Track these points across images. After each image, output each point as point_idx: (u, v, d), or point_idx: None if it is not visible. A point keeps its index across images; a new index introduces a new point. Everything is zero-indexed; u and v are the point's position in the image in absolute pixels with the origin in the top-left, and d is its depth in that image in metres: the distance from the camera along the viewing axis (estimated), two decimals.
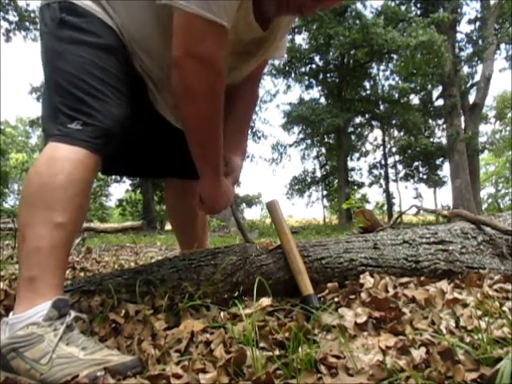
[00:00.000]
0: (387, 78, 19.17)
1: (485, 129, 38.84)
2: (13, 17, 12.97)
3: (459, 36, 16.87)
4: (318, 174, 23.39)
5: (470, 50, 16.48)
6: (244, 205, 22.86)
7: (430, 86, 18.18)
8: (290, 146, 21.30)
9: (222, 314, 1.06)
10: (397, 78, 18.81)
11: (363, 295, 1.08)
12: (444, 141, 18.37)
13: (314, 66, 17.68)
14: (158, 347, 0.90)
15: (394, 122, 19.20)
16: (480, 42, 15.76)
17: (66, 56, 1.03)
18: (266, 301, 1.04)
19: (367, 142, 23.15)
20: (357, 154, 22.74)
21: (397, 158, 22.51)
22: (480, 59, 15.95)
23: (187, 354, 0.88)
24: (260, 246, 1.28)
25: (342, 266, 1.24)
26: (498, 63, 49.38)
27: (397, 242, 1.34)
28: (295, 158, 68.69)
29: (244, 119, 1.39)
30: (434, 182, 21.38)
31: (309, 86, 18.66)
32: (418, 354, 0.78)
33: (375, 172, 23.05)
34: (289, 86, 19.11)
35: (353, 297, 1.09)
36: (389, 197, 21.51)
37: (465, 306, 1.04)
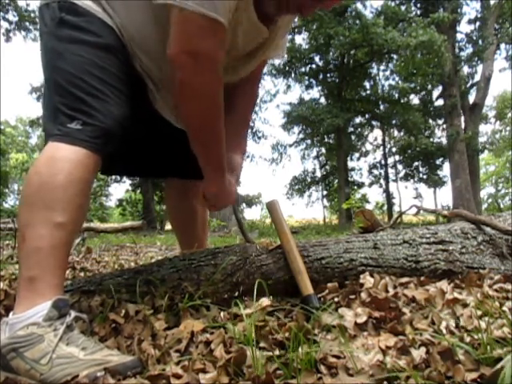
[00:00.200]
0: (387, 78, 19.18)
1: (485, 129, 38.88)
2: (13, 17, 12.99)
3: (459, 36, 16.89)
4: (318, 174, 23.40)
5: (470, 49, 16.50)
6: (244, 205, 22.85)
7: (430, 86, 18.18)
8: (290, 146, 21.31)
9: (222, 313, 1.06)
10: (397, 78, 18.82)
11: (363, 295, 1.08)
12: (444, 141, 18.38)
13: (314, 65, 17.68)
14: (158, 347, 0.90)
15: (394, 122, 19.19)
16: (480, 42, 15.76)
17: (66, 55, 1.03)
18: (265, 301, 1.04)
19: (367, 142, 23.17)
20: (357, 154, 22.75)
21: (397, 158, 22.53)
22: (480, 59, 15.95)
23: (187, 354, 0.88)
24: (260, 245, 1.28)
25: (342, 266, 1.24)
26: (497, 63, 49.42)
27: (397, 241, 1.34)
28: (295, 158, 68.80)
29: (244, 119, 1.40)
30: (434, 182, 21.37)
31: (309, 86, 18.66)
32: (418, 353, 0.78)
33: (375, 172, 23.07)
34: (289, 86, 19.12)
35: (353, 297, 1.09)
36: (389, 197, 21.52)
37: (465, 306, 1.04)
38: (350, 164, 22.11)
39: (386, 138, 22.19)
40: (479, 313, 0.96)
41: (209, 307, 1.09)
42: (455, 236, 1.39)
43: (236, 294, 1.17)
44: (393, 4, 15.68)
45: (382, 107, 19.11)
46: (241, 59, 1.21)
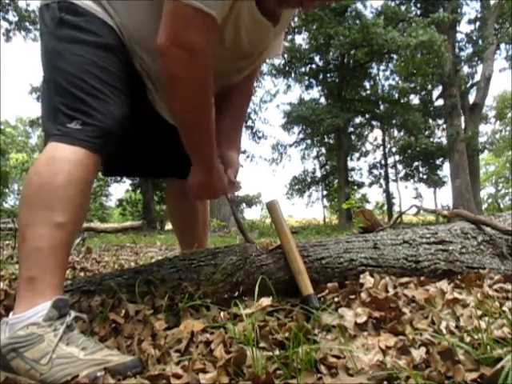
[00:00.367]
0: (387, 78, 19.19)
1: (485, 129, 38.84)
2: (13, 17, 13.00)
3: (459, 36, 16.91)
4: (318, 174, 23.42)
5: (470, 49, 16.52)
6: (244, 205, 22.86)
7: (430, 86, 18.20)
8: (290, 146, 21.32)
9: (221, 313, 1.06)
10: (397, 78, 18.82)
11: (363, 295, 1.08)
12: (444, 141, 18.39)
13: (314, 65, 17.69)
14: (158, 347, 0.90)
15: (394, 122, 19.20)
16: (480, 42, 15.77)
17: (66, 56, 1.03)
18: (266, 301, 1.04)
19: (367, 141, 23.19)
20: (357, 154, 22.76)
21: (397, 158, 22.54)
22: (480, 59, 15.96)
23: (187, 354, 0.88)
24: (260, 245, 1.28)
25: (342, 266, 1.24)
26: (497, 63, 49.37)
27: (397, 241, 1.34)
28: (295, 157, 68.83)
29: (239, 116, 1.40)
30: (434, 182, 21.37)
31: (309, 86, 18.67)
32: (418, 353, 0.78)
33: (375, 172, 23.08)
34: (289, 86, 19.14)
35: (353, 297, 1.09)
36: (389, 197, 21.52)
37: (465, 306, 1.03)
38: (350, 164, 22.15)
39: (386, 138, 22.19)
40: (479, 313, 0.96)
41: (209, 307, 1.09)
42: (455, 236, 1.39)
43: (236, 294, 1.17)
44: (393, 4, 15.69)
45: (382, 107, 19.11)
46: (247, 59, 1.21)
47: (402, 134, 21.33)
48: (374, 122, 20.58)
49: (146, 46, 1.11)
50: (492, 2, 16.19)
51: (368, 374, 0.73)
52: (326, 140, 20.97)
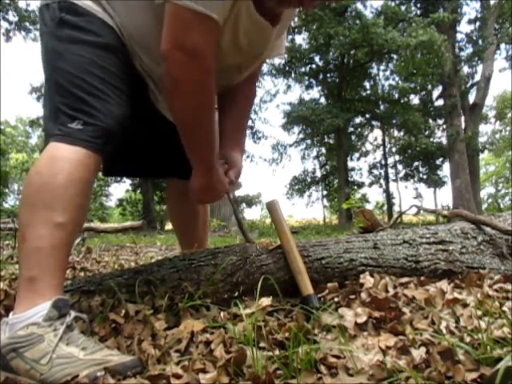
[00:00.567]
0: (387, 78, 19.19)
1: (485, 129, 38.84)
2: (13, 17, 13.00)
3: (459, 36, 16.91)
4: (318, 174, 23.41)
5: (470, 49, 16.51)
6: (244, 205, 22.86)
7: (430, 86, 18.19)
8: (290, 146, 21.32)
9: (221, 313, 1.06)
10: (397, 78, 18.82)
11: (363, 295, 1.08)
12: (444, 141, 18.39)
13: (314, 65, 17.68)
14: (158, 347, 0.90)
15: (394, 122, 19.20)
16: (480, 41, 15.77)
17: (66, 56, 1.03)
18: (266, 301, 1.04)
19: (367, 141, 23.19)
20: (357, 154, 22.76)
21: (397, 157, 22.54)
22: (480, 59, 15.96)
23: (187, 354, 0.88)
24: (260, 245, 1.28)
25: (342, 266, 1.24)
26: (497, 63, 49.37)
27: (397, 241, 1.34)
28: (295, 157, 68.91)
29: (242, 117, 1.40)
30: (434, 182, 21.37)
31: (309, 86, 18.66)
32: (418, 353, 0.78)
33: (375, 172, 23.09)
34: (289, 86, 19.13)
35: (353, 297, 1.09)
36: (389, 197, 21.52)
37: (465, 306, 1.03)
38: (350, 164, 22.16)
39: (386, 138, 22.19)
40: (479, 313, 0.96)
41: (209, 307, 1.09)
42: (455, 236, 1.39)
43: (236, 294, 1.17)
44: (393, 4, 15.68)
45: (382, 107, 19.11)
46: (247, 59, 1.20)
47: (401, 134, 21.33)
48: (374, 122, 20.58)
49: (146, 46, 1.11)
50: (492, 2, 16.20)
51: (368, 374, 0.73)
52: (326, 140, 20.97)
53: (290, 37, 15.61)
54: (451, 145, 14.99)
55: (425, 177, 21.65)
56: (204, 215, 1.58)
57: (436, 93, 18.66)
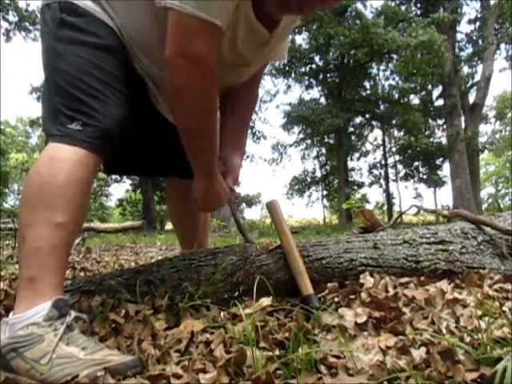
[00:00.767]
0: (387, 78, 19.19)
1: (485, 129, 38.87)
2: (13, 17, 13.00)
3: (459, 36, 16.90)
4: (318, 174, 23.41)
5: (470, 49, 16.52)
6: (244, 205, 22.86)
7: (430, 86, 18.20)
8: (290, 146, 21.32)
9: (221, 313, 1.06)
10: (397, 78, 18.83)
11: (363, 295, 1.08)
12: (444, 141, 18.39)
13: (314, 65, 17.69)
14: (158, 347, 0.90)
15: (394, 122, 19.21)
16: (480, 41, 15.76)
17: (66, 56, 1.03)
18: (266, 301, 1.04)
19: (367, 141, 23.18)
20: (357, 154, 22.76)
21: (397, 157, 22.53)
22: (480, 59, 15.96)
23: (187, 354, 0.88)
24: (260, 245, 1.28)
25: (342, 266, 1.24)
26: (497, 63, 49.37)
27: (397, 241, 1.34)
28: (295, 157, 68.89)
29: (244, 120, 1.40)
30: (434, 182, 21.38)
31: (309, 86, 18.67)
32: (418, 354, 0.78)
33: (375, 172, 23.08)
34: (289, 86, 19.15)
35: (353, 297, 1.09)
36: (389, 197, 21.52)
37: (465, 306, 1.04)
38: (350, 164, 22.15)
39: (386, 138, 22.19)
40: (479, 313, 0.96)
41: (209, 307, 1.09)
42: (455, 236, 1.39)
43: (236, 294, 1.17)
44: (393, 4, 15.68)
45: (382, 107, 19.12)
46: (245, 62, 1.20)
47: (401, 134, 21.34)
48: (374, 122, 20.58)
49: (145, 47, 1.11)
50: (492, 2, 16.19)
51: (368, 374, 0.73)
52: (326, 140, 20.97)
53: (290, 37, 15.55)
54: (451, 145, 14.99)
55: (425, 177, 21.65)
56: (204, 215, 1.58)
57: (436, 93, 18.69)
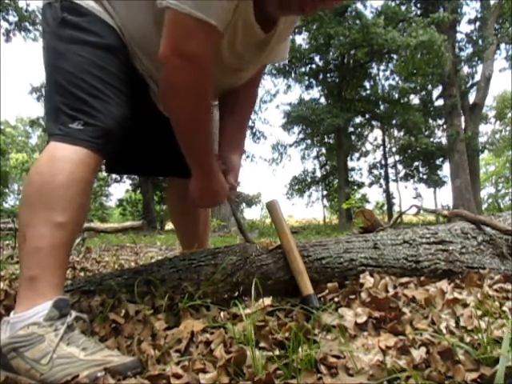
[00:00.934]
0: (387, 78, 19.20)
1: (485, 129, 38.84)
2: (13, 17, 13.00)
3: (459, 36, 16.91)
4: (318, 173, 23.42)
5: (470, 49, 16.52)
6: (244, 205, 22.86)
7: (430, 86, 18.20)
8: (290, 146, 21.33)
9: (221, 313, 1.06)
10: (397, 78, 18.83)
11: (363, 295, 1.08)
12: (444, 141, 18.40)
13: (314, 65, 17.69)
14: (158, 347, 0.90)
15: (394, 122, 19.21)
16: (480, 41, 15.77)
17: (67, 56, 1.03)
18: (266, 301, 1.04)
19: (367, 141, 23.19)
20: (357, 154, 22.77)
21: (397, 158, 22.54)
22: (480, 59, 15.96)
23: (187, 354, 0.88)
24: (260, 245, 1.28)
25: (342, 266, 1.24)
26: (498, 63, 49.33)
27: (397, 241, 1.34)
28: (295, 157, 68.88)
29: (243, 120, 1.40)
30: (434, 182, 21.38)
31: (309, 86, 18.67)
32: (418, 354, 0.78)
33: (375, 172, 23.09)
34: (289, 86, 19.16)
35: (353, 297, 1.09)
36: (389, 197, 21.52)
37: (465, 306, 1.04)
38: (350, 164, 22.16)
39: (386, 138, 22.19)
40: (479, 313, 0.96)
41: (209, 307, 1.09)
42: (455, 236, 1.39)
43: (236, 294, 1.17)
44: (393, 4, 15.68)
45: (382, 107, 19.12)
46: (244, 63, 1.20)
47: (401, 134, 21.34)
48: (374, 122, 20.58)
49: (146, 47, 1.11)
50: (492, 2, 16.20)
51: (368, 374, 0.73)
52: (326, 140, 20.97)
53: (290, 37, 15.59)
54: (451, 145, 14.99)
55: (425, 177, 21.65)
56: (205, 215, 1.58)
57: (436, 93, 18.70)
